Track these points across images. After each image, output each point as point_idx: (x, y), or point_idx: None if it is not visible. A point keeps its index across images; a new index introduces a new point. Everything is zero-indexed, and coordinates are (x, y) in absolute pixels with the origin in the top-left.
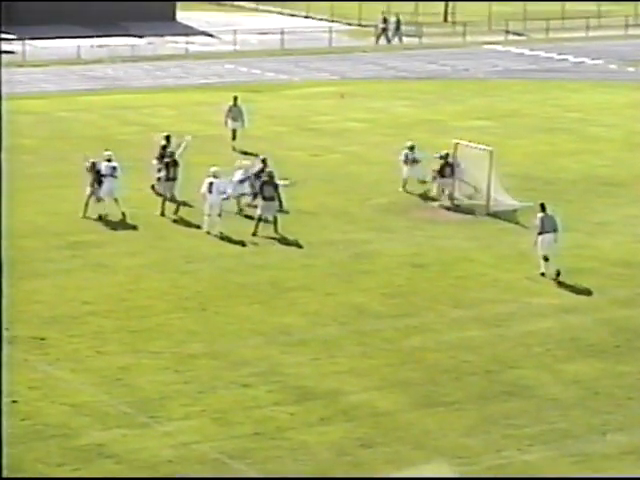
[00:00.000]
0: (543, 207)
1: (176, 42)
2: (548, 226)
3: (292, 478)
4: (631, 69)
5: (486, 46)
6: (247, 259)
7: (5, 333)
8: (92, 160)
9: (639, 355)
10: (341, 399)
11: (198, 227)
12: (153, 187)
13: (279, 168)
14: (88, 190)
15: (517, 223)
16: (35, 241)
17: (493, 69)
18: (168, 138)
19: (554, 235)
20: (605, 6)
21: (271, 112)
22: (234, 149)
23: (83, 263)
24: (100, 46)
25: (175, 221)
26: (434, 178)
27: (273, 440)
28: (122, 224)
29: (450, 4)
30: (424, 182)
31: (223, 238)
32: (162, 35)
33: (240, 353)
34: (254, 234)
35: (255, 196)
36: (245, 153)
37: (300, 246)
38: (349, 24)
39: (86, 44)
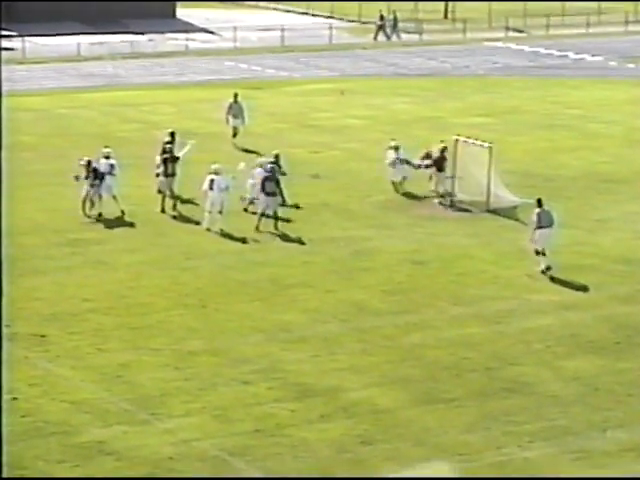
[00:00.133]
0: (540, 202)
1: (176, 39)
2: (545, 221)
3: (292, 478)
4: (631, 65)
5: (486, 43)
6: (247, 256)
7: (5, 330)
8: (87, 158)
9: (639, 352)
10: (341, 396)
11: (197, 223)
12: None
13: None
14: (84, 190)
15: (517, 220)
16: (35, 238)
17: (493, 66)
18: (172, 135)
19: (551, 230)
20: (605, 3)
21: (271, 109)
22: (235, 146)
23: (83, 260)
24: (100, 43)
25: (174, 217)
26: (430, 177)
27: (273, 437)
28: (122, 221)
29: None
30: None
31: (223, 235)
32: (162, 32)
33: (240, 350)
34: (257, 229)
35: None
36: (246, 150)
37: (300, 243)
38: (349, 21)
39: (86, 41)
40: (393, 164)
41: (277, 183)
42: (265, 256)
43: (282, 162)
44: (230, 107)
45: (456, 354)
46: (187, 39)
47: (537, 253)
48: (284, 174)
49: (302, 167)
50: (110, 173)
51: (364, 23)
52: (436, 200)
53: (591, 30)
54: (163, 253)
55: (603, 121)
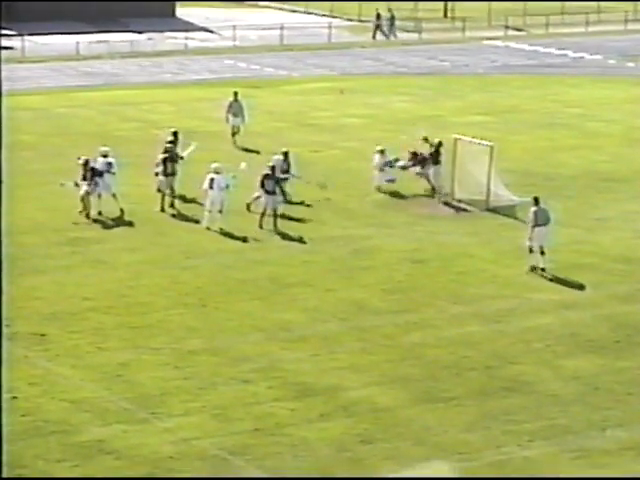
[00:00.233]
0: (536, 200)
1: (175, 38)
2: (541, 219)
3: (292, 478)
4: (630, 64)
5: (486, 42)
6: (247, 255)
7: (5, 329)
8: (85, 157)
9: (639, 351)
10: (341, 395)
11: (197, 222)
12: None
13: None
14: (83, 189)
15: (517, 218)
16: (35, 237)
17: (492, 65)
18: (175, 134)
19: (547, 228)
20: (604, 2)
21: (270, 108)
22: (235, 145)
23: (83, 259)
24: (99, 42)
25: (174, 216)
26: (420, 175)
27: (273, 436)
28: (121, 220)
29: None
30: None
31: (223, 234)
32: (161, 31)
33: (240, 349)
34: (260, 227)
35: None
36: (245, 150)
37: (300, 242)
38: (349, 20)
39: (85, 40)
40: (380, 168)
41: (277, 181)
42: (265, 255)
43: (292, 163)
44: (230, 106)
45: (456, 353)
46: (186, 38)
47: (531, 251)
48: (292, 176)
49: (302, 168)
50: (108, 171)
51: (363, 22)
52: (436, 197)
53: (590, 29)
54: (163, 252)
55: (603, 120)
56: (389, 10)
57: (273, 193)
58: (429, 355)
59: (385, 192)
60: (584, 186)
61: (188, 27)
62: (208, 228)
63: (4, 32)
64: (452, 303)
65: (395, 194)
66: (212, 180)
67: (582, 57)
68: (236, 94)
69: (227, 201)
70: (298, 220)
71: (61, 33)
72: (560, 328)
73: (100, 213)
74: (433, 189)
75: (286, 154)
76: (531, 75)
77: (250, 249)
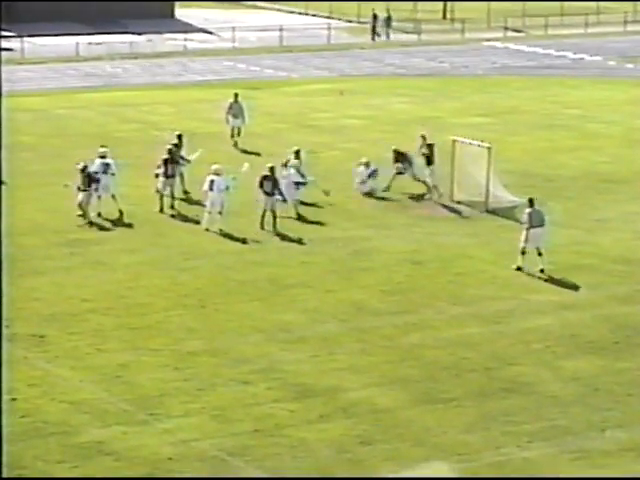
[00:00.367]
0: (531, 202)
1: (175, 39)
2: (536, 221)
3: (292, 478)
4: (630, 65)
5: (485, 43)
6: (246, 256)
7: (5, 330)
8: (84, 163)
9: (638, 352)
10: (340, 396)
11: (197, 223)
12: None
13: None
14: (80, 196)
15: (516, 220)
16: (34, 239)
17: (492, 66)
18: (180, 137)
19: (543, 229)
20: (604, 3)
21: (270, 109)
22: (234, 146)
23: (82, 260)
24: (99, 43)
25: (173, 216)
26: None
27: (272, 437)
28: (121, 221)
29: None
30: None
31: (223, 235)
32: (161, 32)
33: (240, 350)
34: (261, 227)
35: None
36: (244, 151)
37: (300, 243)
38: (348, 21)
39: (85, 41)
40: (362, 180)
41: (275, 183)
42: (264, 256)
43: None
44: (230, 107)
45: (455, 354)
46: (186, 39)
47: (523, 252)
48: (310, 181)
49: (302, 168)
50: (105, 172)
51: (363, 23)
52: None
53: (590, 30)
54: (162, 253)
55: (602, 121)
56: (387, 10)
57: (271, 194)
58: (428, 356)
59: (409, 192)
60: (584, 187)
61: (187, 28)
62: (207, 229)
63: (4, 33)
64: (451, 304)
65: (395, 195)
66: (212, 182)
67: (582, 58)
68: (236, 95)
69: (227, 202)
70: (299, 219)
71: (61, 34)
72: (559, 329)
73: (99, 214)
74: (428, 189)
75: (297, 152)
76: (530, 76)
77: (249, 250)
